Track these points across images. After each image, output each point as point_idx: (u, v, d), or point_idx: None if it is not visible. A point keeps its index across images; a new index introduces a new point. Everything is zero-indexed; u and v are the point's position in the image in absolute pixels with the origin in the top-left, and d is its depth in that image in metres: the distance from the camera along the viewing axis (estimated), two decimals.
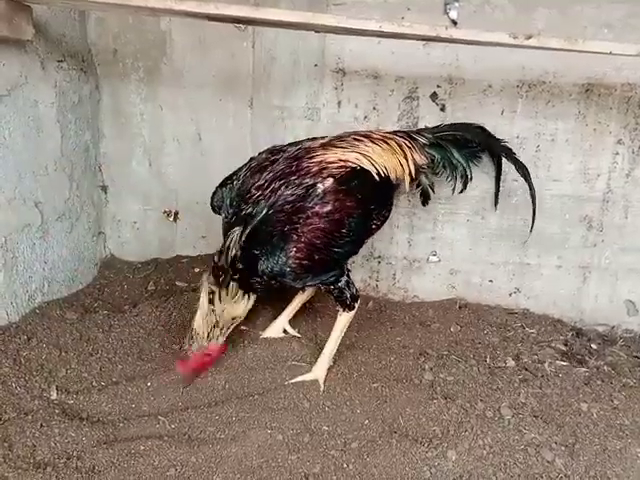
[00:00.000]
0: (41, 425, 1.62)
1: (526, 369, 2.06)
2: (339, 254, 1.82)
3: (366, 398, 1.85)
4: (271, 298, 2.20)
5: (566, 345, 2.26)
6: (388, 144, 1.98)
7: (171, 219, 2.66)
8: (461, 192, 2.18)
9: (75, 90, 2.35)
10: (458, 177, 2.14)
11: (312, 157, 1.82)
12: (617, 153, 2.33)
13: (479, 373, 2.01)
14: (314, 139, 1.96)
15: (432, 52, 2.30)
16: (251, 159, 1.95)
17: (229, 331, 1.91)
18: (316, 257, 1.75)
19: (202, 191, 2.58)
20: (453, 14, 2.23)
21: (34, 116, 2.10)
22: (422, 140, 2.06)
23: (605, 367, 2.13)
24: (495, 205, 2.36)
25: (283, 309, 2.18)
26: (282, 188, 1.76)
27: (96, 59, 2.50)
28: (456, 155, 2.10)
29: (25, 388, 1.77)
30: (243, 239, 1.76)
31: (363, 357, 2.08)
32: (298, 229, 1.73)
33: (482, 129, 2.17)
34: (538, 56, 2.14)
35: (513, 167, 2.18)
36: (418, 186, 2.15)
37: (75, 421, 1.66)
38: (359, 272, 2.56)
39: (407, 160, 1.99)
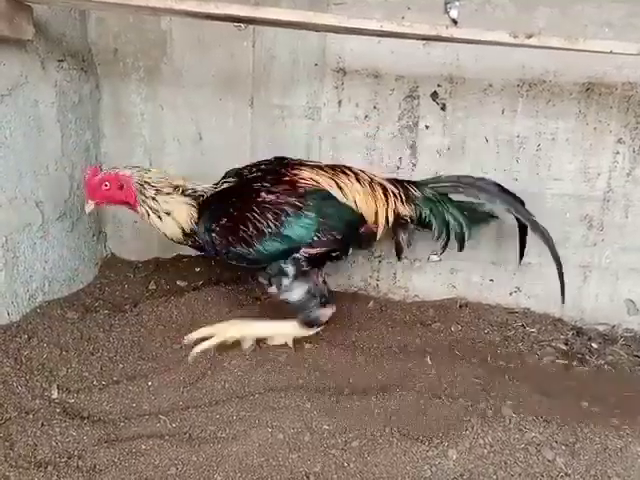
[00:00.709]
0: (42, 424, 1.62)
1: (527, 368, 2.06)
2: (265, 244, 1.86)
3: (367, 397, 1.85)
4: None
5: (567, 344, 2.27)
6: (373, 188, 2.00)
7: None
8: (460, 251, 2.09)
9: (75, 90, 2.35)
10: (452, 237, 2.06)
11: (293, 169, 1.95)
12: (618, 152, 2.33)
13: (480, 372, 2.01)
14: (313, 161, 2.07)
15: (432, 51, 2.30)
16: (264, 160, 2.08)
17: (143, 204, 1.89)
18: (240, 234, 1.85)
19: None
20: (454, 13, 2.22)
21: (35, 116, 2.10)
22: (414, 192, 2.04)
23: (605, 366, 2.14)
24: (519, 260, 2.24)
25: None
26: (256, 179, 1.92)
27: (96, 59, 2.51)
28: (453, 215, 2.03)
29: (26, 387, 1.77)
30: (215, 190, 1.93)
31: (363, 357, 2.08)
32: (237, 204, 1.87)
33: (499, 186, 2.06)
34: (539, 55, 2.14)
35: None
36: (395, 236, 2.09)
37: (76, 420, 1.66)
38: (360, 271, 2.56)
39: (386, 210, 1.99)
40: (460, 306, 2.47)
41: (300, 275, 1.93)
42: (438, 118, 2.39)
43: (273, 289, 1.98)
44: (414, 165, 2.45)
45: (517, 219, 2.09)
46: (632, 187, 2.34)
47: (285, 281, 1.93)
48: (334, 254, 1.98)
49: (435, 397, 1.86)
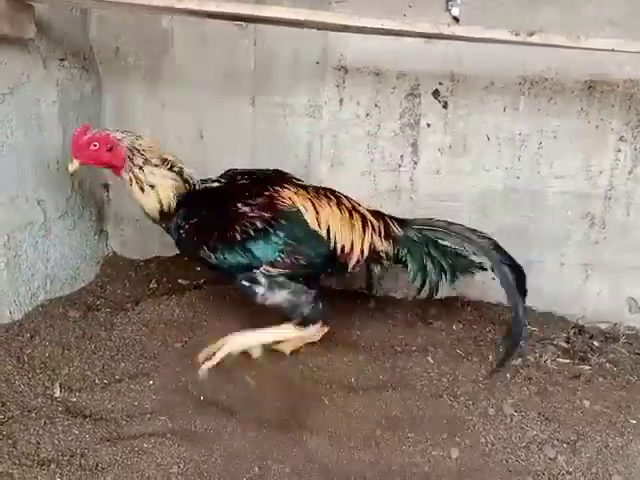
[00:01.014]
0: (45, 422, 1.62)
1: (528, 366, 2.06)
2: (227, 254, 1.81)
3: (368, 396, 1.85)
4: None
5: (568, 342, 2.27)
6: (352, 217, 1.92)
7: None
8: (428, 299, 1.98)
9: (77, 88, 2.35)
10: (426, 283, 1.92)
11: (274, 185, 1.90)
12: (619, 150, 2.32)
13: (481, 371, 2.01)
14: (299, 179, 2.01)
15: (434, 49, 2.30)
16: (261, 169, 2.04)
17: (129, 171, 1.84)
18: (205, 238, 1.82)
19: None
20: (455, 11, 2.22)
21: (36, 114, 2.11)
22: (395, 229, 1.94)
23: (607, 364, 2.14)
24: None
25: None
26: (239, 188, 1.89)
27: (98, 57, 2.50)
28: (433, 260, 1.91)
29: (29, 386, 1.78)
30: (195, 189, 1.89)
31: (365, 355, 2.08)
32: (211, 208, 1.84)
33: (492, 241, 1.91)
34: (540, 53, 2.13)
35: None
36: (369, 270, 2.00)
37: (78, 418, 1.66)
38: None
39: (362, 241, 1.90)
40: (462, 304, 2.47)
41: (274, 284, 1.86)
42: (440, 116, 2.38)
43: (254, 296, 1.88)
44: (415, 163, 2.45)
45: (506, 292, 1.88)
46: (634, 185, 2.33)
47: (260, 290, 1.86)
48: (300, 278, 1.88)
49: (437, 396, 1.86)
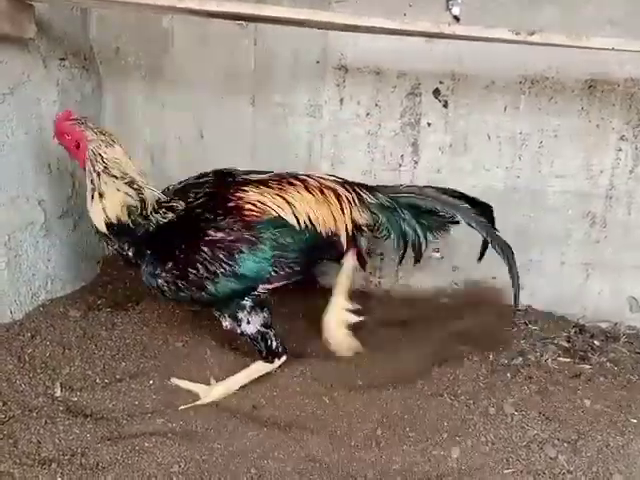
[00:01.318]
0: (45, 422, 1.62)
1: (529, 366, 2.06)
2: (219, 286, 1.71)
3: (369, 395, 1.85)
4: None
5: (569, 342, 2.26)
6: (324, 194, 1.85)
7: None
8: (416, 263, 1.94)
9: (77, 88, 2.35)
10: (409, 246, 1.91)
11: (237, 191, 1.79)
12: (620, 149, 2.32)
13: (482, 370, 2.01)
14: (258, 172, 1.90)
15: (434, 48, 2.30)
16: (201, 173, 1.91)
17: (88, 164, 1.73)
18: (190, 277, 1.69)
19: None
20: (455, 10, 2.22)
21: (37, 114, 2.11)
22: (368, 198, 1.89)
23: (608, 363, 2.14)
24: (479, 260, 1.99)
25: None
26: (197, 208, 1.75)
27: (98, 57, 2.51)
28: (409, 222, 1.88)
29: (29, 385, 1.78)
30: (158, 222, 1.73)
31: (365, 355, 2.08)
32: (183, 245, 1.71)
33: (464, 197, 1.89)
34: (541, 52, 2.13)
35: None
36: (355, 246, 1.94)
37: (79, 418, 1.66)
38: None
39: (344, 215, 1.85)
40: (462, 304, 2.47)
41: (257, 305, 1.80)
42: (440, 115, 2.38)
43: (227, 323, 1.82)
44: (416, 163, 2.45)
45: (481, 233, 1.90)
46: (635, 184, 2.33)
47: (241, 314, 1.79)
48: (294, 281, 1.84)
49: (437, 395, 1.86)
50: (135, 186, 1.74)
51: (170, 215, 1.75)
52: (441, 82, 2.35)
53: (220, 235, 1.71)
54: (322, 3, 2.28)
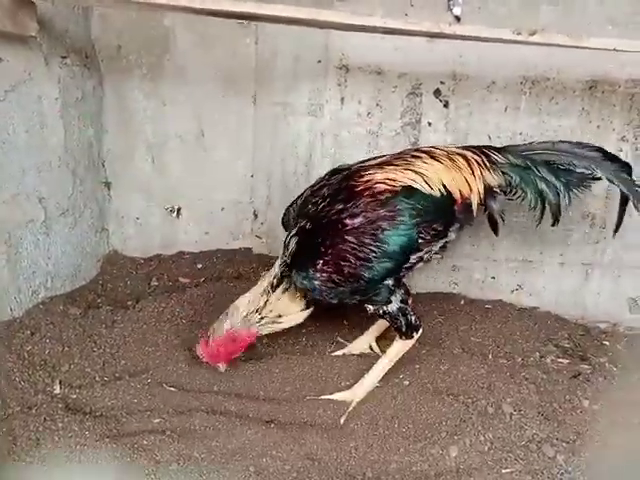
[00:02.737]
0: (45, 419, 1.63)
1: (528, 365, 2.06)
2: (374, 270, 1.71)
3: (369, 393, 1.85)
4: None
5: (568, 342, 2.27)
6: (452, 160, 1.84)
7: (174, 215, 2.67)
8: (553, 225, 1.92)
9: (78, 86, 2.35)
10: (546, 206, 1.87)
11: (361, 176, 1.79)
12: (620, 150, 2.32)
13: (481, 370, 2.01)
14: (375, 158, 1.91)
15: (435, 48, 2.30)
16: (318, 179, 1.94)
17: (267, 329, 1.83)
18: (345, 271, 1.69)
19: (205, 187, 2.61)
20: (457, 10, 2.22)
21: (38, 112, 2.11)
22: (498, 158, 1.87)
23: (607, 364, 2.14)
24: (614, 233, 2.02)
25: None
26: (328, 205, 1.75)
27: (99, 55, 2.50)
28: (546, 180, 1.84)
29: (29, 383, 1.78)
30: (294, 250, 1.76)
31: (364, 354, 2.08)
32: (327, 241, 1.70)
33: (602, 152, 1.88)
34: (542, 52, 2.14)
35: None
36: (486, 210, 1.92)
37: (78, 415, 1.67)
38: None
39: (474, 177, 1.83)
40: (461, 304, 2.47)
41: (397, 282, 1.81)
42: (441, 115, 2.38)
43: (371, 306, 1.82)
44: None
45: (620, 190, 1.89)
46: None
47: (385, 294, 1.79)
48: (443, 243, 1.86)
49: (436, 394, 1.86)
50: (274, 280, 1.81)
51: (299, 224, 1.78)
52: (442, 82, 2.36)
53: (358, 220, 1.70)
54: (324, 2, 2.28)
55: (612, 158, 1.87)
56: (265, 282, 1.82)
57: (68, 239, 2.34)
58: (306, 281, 1.71)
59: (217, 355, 1.81)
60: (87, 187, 2.46)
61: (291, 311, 1.82)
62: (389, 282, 1.79)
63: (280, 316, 1.82)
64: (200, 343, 1.81)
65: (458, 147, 1.94)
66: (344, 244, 1.69)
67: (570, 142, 1.91)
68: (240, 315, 1.79)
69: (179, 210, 2.67)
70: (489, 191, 1.87)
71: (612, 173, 1.86)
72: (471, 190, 1.83)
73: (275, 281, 1.80)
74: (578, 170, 1.87)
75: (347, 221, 1.70)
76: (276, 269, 1.81)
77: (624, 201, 1.93)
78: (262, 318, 1.80)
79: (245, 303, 1.81)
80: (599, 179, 1.88)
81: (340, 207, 1.73)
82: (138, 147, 2.61)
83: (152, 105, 2.56)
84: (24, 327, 2.01)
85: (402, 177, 1.77)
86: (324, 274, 1.69)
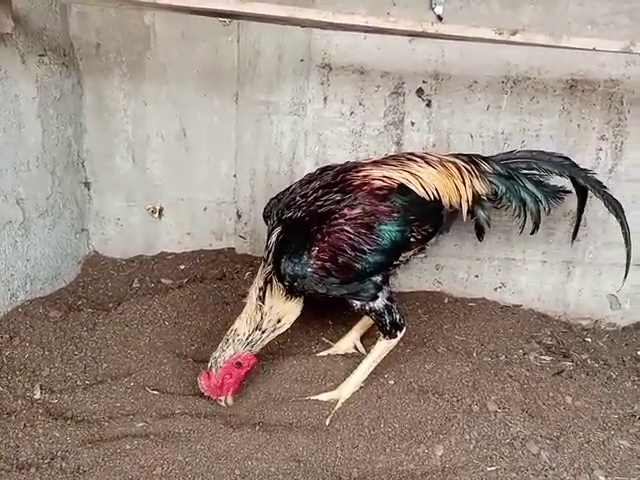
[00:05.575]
0: (24, 425, 1.60)
1: (512, 363, 2.08)
2: (367, 262, 1.73)
3: (353, 393, 1.85)
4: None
5: (551, 339, 2.29)
6: (445, 167, 1.89)
7: (155, 215, 2.63)
8: (532, 233, 2.02)
9: (57, 85, 2.31)
10: (528, 214, 1.96)
11: (358, 171, 1.83)
12: (600, 149, 2.35)
13: (465, 368, 2.02)
14: (368, 158, 1.97)
15: (418, 47, 2.30)
16: (307, 175, 1.95)
17: (269, 338, 1.82)
18: (339, 260, 1.70)
19: (187, 187, 2.58)
20: (439, 9, 2.23)
21: (15, 111, 2.07)
22: (485, 167, 1.93)
23: (589, 360, 2.16)
24: (572, 240, 2.27)
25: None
26: (322, 196, 1.77)
27: (78, 53, 2.46)
28: (529, 190, 1.94)
29: (8, 388, 1.75)
30: (279, 239, 1.76)
31: (349, 354, 2.08)
32: (324, 229, 1.71)
33: (565, 158, 2.03)
34: (523, 52, 2.15)
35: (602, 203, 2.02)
36: (473, 216, 1.96)
37: (59, 421, 1.64)
38: None
39: (465, 185, 1.89)
40: (445, 302, 2.48)
41: (384, 280, 1.82)
42: (423, 114, 2.39)
43: (357, 302, 1.82)
44: None
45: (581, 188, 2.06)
46: (614, 184, 2.35)
47: (372, 291, 1.80)
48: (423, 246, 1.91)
49: (421, 393, 1.87)
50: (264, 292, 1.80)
51: (289, 213, 1.78)
52: (424, 81, 2.36)
53: (357, 212, 1.72)
54: (306, 1, 2.27)
55: (574, 164, 2.04)
56: (253, 298, 1.80)
57: (47, 240, 2.30)
58: (298, 267, 1.69)
59: (223, 386, 1.75)
60: (66, 187, 2.42)
61: (286, 309, 1.81)
62: (377, 278, 1.80)
63: (279, 320, 1.82)
64: (201, 376, 1.75)
65: (449, 155, 1.99)
66: (341, 233, 1.71)
67: (543, 151, 2.04)
68: (243, 338, 1.77)
69: (161, 210, 2.64)
70: (477, 199, 1.93)
71: (582, 176, 2.02)
72: (461, 197, 1.89)
73: (261, 293, 1.79)
74: (551, 184, 2.01)
75: (346, 211, 1.72)
76: (260, 282, 1.80)
77: (582, 200, 2.10)
78: (263, 332, 1.80)
79: (243, 325, 1.78)
80: (569, 192, 2.05)
81: (338, 198, 1.75)
82: (118, 147, 2.57)
83: (133, 104, 2.52)
84: (3, 331, 1.97)
85: (398, 176, 1.82)
86: (318, 261, 1.69)
